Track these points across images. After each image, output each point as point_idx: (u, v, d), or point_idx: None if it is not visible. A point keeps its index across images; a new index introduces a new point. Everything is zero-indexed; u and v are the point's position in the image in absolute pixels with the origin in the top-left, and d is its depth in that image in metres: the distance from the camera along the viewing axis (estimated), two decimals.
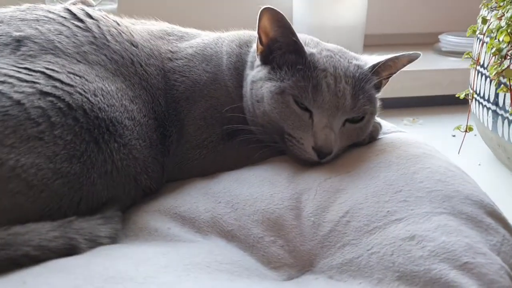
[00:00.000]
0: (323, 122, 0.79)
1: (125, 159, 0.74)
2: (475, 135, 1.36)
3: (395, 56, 0.84)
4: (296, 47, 0.81)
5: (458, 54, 1.78)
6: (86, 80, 0.73)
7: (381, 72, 0.85)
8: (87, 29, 0.81)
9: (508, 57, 0.81)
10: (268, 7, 0.79)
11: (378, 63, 0.84)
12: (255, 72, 0.85)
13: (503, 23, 0.79)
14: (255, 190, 0.76)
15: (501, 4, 0.96)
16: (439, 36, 1.81)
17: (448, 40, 1.76)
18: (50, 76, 0.70)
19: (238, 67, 0.89)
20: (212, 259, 0.63)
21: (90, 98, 0.71)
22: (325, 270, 0.66)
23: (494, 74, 0.82)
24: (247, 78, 0.86)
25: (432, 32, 1.88)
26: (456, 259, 0.61)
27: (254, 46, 0.89)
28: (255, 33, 0.93)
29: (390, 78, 0.89)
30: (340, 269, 0.65)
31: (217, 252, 0.65)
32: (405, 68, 0.87)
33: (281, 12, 0.79)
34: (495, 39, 0.82)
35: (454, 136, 1.38)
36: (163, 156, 0.83)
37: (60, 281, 0.52)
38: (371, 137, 0.88)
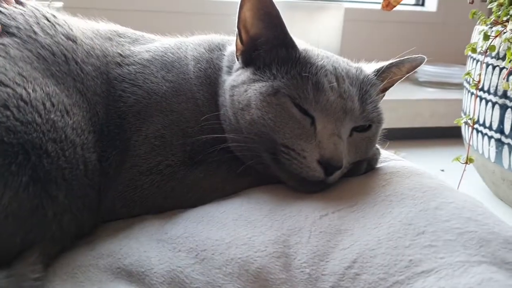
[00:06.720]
0: (329, 128, 0.62)
1: (37, 198, 0.53)
2: (464, 171, 1.23)
3: (400, 60, 0.71)
4: (285, 40, 0.65)
5: (435, 84, 1.69)
6: None
7: (383, 79, 0.71)
8: (9, 18, 0.62)
9: None
10: None
11: (382, 67, 0.70)
12: (235, 76, 0.67)
13: None
14: (227, 232, 0.57)
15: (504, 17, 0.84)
16: None
17: (425, 70, 1.65)
18: None
19: (210, 74, 0.71)
20: None
21: None
22: None
23: None
24: (224, 85, 0.68)
25: None
26: None
27: (229, 49, 0.72)
28: (226, 37, 0.77)
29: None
30: None
31: None
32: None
33: None
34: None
35: (443, 170, 1.24)
36: (101, 183, 0.62)
37: None
38: (369, 165, 0.71)
